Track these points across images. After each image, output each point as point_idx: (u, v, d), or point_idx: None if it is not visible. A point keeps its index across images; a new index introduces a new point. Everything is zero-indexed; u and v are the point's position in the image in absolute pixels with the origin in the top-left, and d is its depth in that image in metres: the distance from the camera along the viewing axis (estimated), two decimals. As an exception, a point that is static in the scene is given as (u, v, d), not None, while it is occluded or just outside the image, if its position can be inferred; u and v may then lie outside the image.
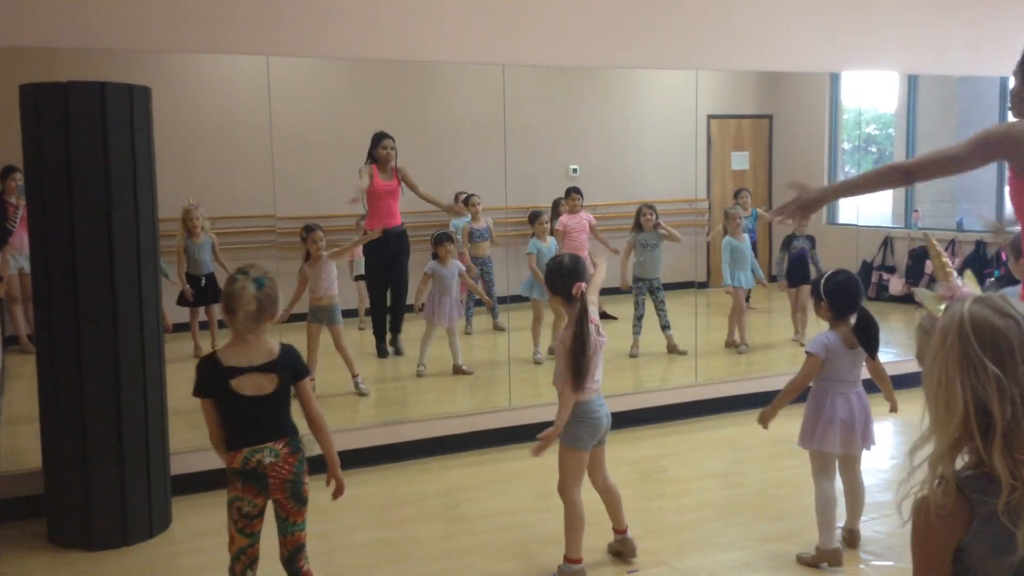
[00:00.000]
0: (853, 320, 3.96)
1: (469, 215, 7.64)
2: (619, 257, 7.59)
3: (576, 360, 3.63)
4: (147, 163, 4.33)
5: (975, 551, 1.56)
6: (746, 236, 7.75)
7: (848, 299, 3.95)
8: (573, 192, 7.93)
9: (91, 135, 4.14)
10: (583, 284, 3.67)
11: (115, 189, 4.18)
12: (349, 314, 7.78)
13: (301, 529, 3.13)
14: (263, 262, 7.00)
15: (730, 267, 7.61)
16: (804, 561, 3.96)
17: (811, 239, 7.86)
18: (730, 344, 7.65)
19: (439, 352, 6.94)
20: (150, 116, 4.37)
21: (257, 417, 3.03)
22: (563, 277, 3.72)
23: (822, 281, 4.01)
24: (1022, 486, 1.51)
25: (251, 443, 3.01)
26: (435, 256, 6.88)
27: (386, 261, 7.20)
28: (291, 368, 3.09)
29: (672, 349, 7.44)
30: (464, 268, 7.01)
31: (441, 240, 6.85)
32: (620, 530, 4.01)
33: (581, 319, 3.66)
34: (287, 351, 3.11)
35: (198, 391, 3.05)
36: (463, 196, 7.84)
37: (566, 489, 3.77)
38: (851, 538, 4.13)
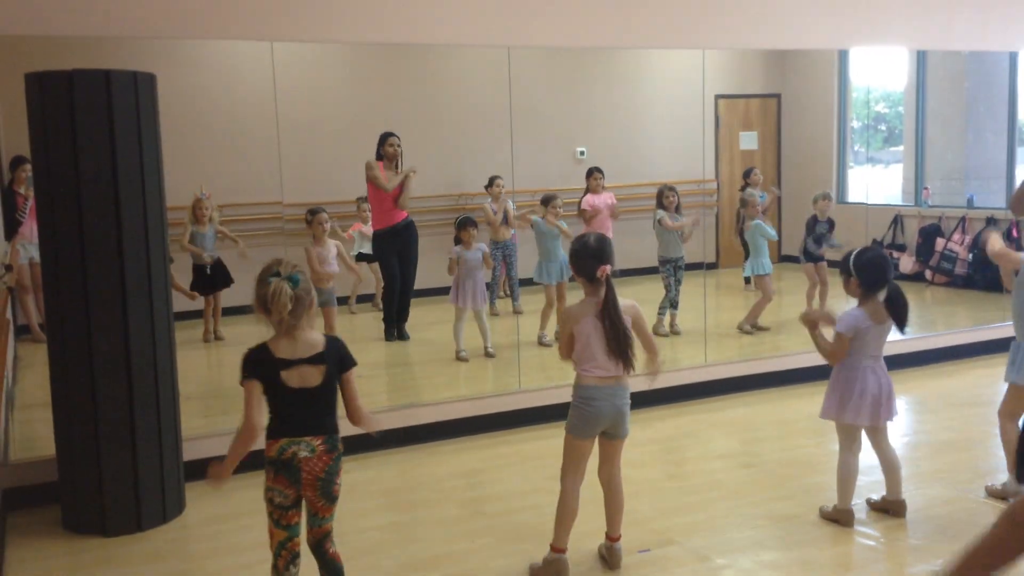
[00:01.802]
0: (882, 296, 3.99)
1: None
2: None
3: (615, 345, 3.53)
4: (154, 150, 4.33)
5: None
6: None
7: (878, 275, 4.00)
8: (595, 172, 7.95)
9: (97, 123, 4.13)
10: (607, 267, 3.55)
11: (122, 177, 4.19)
12: (341, 300, 7.81)
13: (329, 522, 3.14)
14: (270, 249, 7.06)
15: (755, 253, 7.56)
16: (825, 514, 4.17)
17: (831, 222, 7.82)
18: (755, 327, 7.59)
19: (448, 336, 6.94)
20: (156, 103, 4.37)
21: (299, 410, 3.02)
22: (586, 259, 3.58)
23: (852, 257, 4.04)
24: None
25: (289, 435, 3.01)
26: (458, 240, 6.86)
27: (397, 251, 7.25)
28: (337, 359, 3.07)
29: (671, 327, 7.47)
30: (487, 250, 7.00)
31: (464, 224, 6.83)
32: (611, 536, 3.79)
33: (609, 302, 3.53)
34: (333, 342, 3.09)
35: (247, 375, 3.01)
36: (490, 178, 7.87)
37: (562, 475, 3.71)
38: (898, 508, 4.19)
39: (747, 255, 8.04)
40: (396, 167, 7.11)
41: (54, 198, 4.18)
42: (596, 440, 3.70)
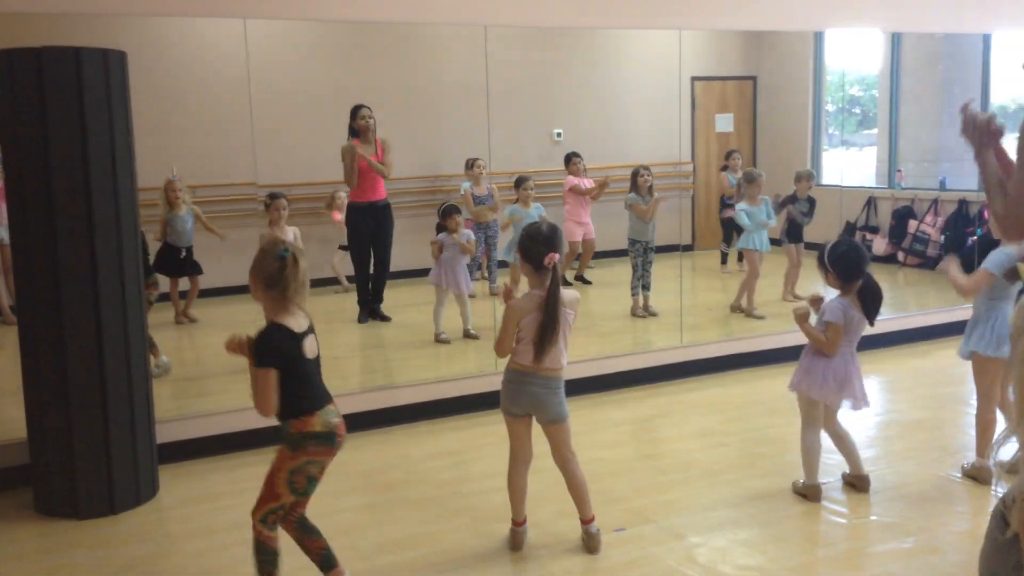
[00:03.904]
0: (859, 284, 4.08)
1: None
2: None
3: (542, 336, 3.49)
4: (125, 130, 4.27)
5: None
6: (764, 200, 7.60)
7: (852, 268, 4.08)
8: (575, 156, 7.97)
9: (67, 102, 4.07)
10: (556, 255, 3.50)
11: (93, 156, 4.13)
12: (328, 282, 7.79)
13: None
14: (244, 231, 7.00)
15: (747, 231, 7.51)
16: (796, 488, 4.26)
17: (811, 201, 7.80)
18: (735, 308, 7.56)
19: (426, 317, 6.93)
20: (127, 82, 4.31)
21: (317, 378, 3.17)
22: (537, 244, 3.53)
23: (826, 252, 4.13)
24: None
25: (321, 405, 3.13)
26: (443, 228, 6.83)
27: (370, 233, 7.19)
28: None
29: (645, 309, 7.49)
30: (473, 236, 6.98)
31: (449, 212, 6.82)
32: (583, 519, 3.78)
33: (552, 293, 3.49)
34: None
35: (271, 361, 3.02)
36: (471, 161, 7.84)
37: (509, 457, 3.78)
38: (861, 483, 4.27)
39: (726, 234, 8.08)
40: (371, 140, 7.04)
41: (23, 179, 4.11)
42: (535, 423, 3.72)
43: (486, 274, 8.18)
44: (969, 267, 4.45)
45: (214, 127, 7.13)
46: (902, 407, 5.64)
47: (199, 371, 6.40)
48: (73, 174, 4.10)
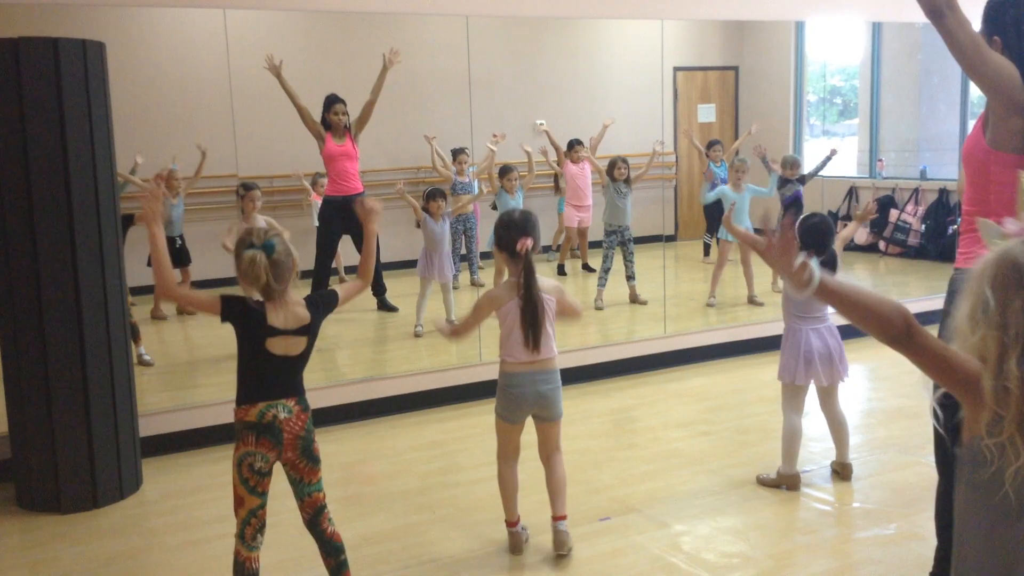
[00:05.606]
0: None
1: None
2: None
3: (528, 322, 3.46)
4: (103, 121, 4.23)
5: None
6: (747, 188, 7.58)
7: (815, 241, 4.07)
8: (577, 144, 8.00)
9: (45, 93, 4.03)
10: (529, 240, 3.45)
11: (71, 148, 4.09)
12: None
13: (318, 490, 3.08)
14: (227, 222, 6.94)
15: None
16: (764, 482, 4.26)
17: (801, 179, 7.79)
18: (750, 301, 7.52)
19: (409, 309, 6.92)
20: (105, 72, 4.27)
21: (278, 375, 3.02)
22: (509, 231, 3.48)
23: (797, 223, 4.09)
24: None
25: (267, 398, 2.98)
26: (426, 211, 6.80)
27: (345, 229, 7.03)
28: (321, 318, 3.08)
29: (634, 299, 7.49)
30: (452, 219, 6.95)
31: (434, 195, 6.77)
32: (555, 516, 3.69)
33: (528, 279, 3.45)
34: (313, 306, 3.06)
35: (223, 304, 2.95)
36: (456, 153, 7.81)
37: (497, 455, 3.70)
38: (844, 471, 4.31)
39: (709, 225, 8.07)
40: (342, 134, 6.95)
41: (1, 171, 4.07)
42: (530, 421, 3.67)
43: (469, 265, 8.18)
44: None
45: (194, 118, 7.08)
46: (884, 395, 5.68)
47: (182, 364, 6.37)
48: (52, 166, 4.06)
